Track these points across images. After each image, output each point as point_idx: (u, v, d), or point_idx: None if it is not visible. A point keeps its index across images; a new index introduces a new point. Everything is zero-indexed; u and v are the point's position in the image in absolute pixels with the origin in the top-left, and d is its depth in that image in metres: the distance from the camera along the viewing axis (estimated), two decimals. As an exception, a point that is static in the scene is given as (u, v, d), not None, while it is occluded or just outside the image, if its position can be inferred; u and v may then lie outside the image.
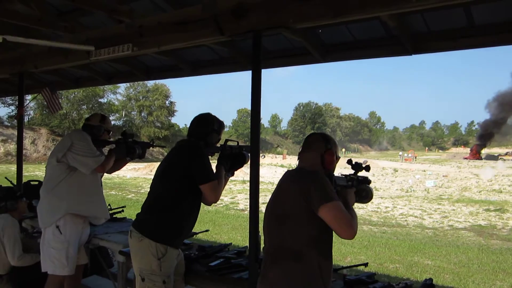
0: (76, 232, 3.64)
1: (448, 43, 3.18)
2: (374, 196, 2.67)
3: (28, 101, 10.42)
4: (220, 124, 3.09)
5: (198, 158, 2.80)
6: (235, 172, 3.25)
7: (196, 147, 2.86)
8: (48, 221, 3.58)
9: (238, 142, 3.26)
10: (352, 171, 2.53)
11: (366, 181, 2.57)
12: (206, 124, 3.03)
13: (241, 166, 3.20)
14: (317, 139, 2.37)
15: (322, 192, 2.10)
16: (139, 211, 2.96)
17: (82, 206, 3.66)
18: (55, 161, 3.60)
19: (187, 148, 2.89)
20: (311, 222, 2.11)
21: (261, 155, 2.99)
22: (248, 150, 3.22)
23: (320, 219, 2.09)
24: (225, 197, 18.43)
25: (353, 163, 2.51)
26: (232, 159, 3.15)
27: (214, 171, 2.93)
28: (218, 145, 3.13)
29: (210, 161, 2.90)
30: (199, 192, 2.82)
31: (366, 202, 2.54)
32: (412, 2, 2.24)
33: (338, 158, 2.41)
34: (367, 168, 2.50)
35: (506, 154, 64.26)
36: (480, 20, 2.94)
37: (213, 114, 3.11)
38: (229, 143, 3.18)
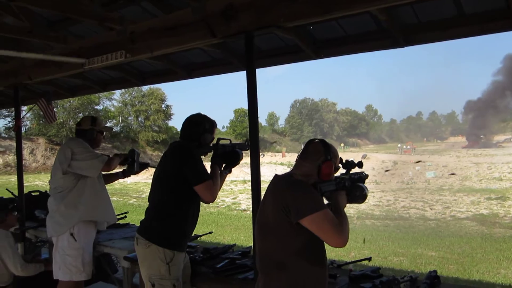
0: (89, 237, 3.70)
1: (438, 33, 3.17)
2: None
3: (25, 113, 10.40)
4: (212, 124, 3.07)
5: (189, 160, 2.80)
6: (234, 172, 3.23)
7: (186, 149, 2.86)
8: (61, 229, 3.60)
9: (230, 140, 3.26)
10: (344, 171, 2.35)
11: (361, 178, 2.37)
12: (197, 125, 3.01)
13: (236, 163, 3.19)
14: (317, 148, 2.19)
15: (302, 204, 1.98)
16: (142, 216, 2.97)
17: (95, 212, 3.70)
18: (60, 173, 3.61)
19: (178, 151, 2.89)
20: (293, 233, 2.01)
21: (260, 154, 2.96)
22: (241, 148, 3.22)
23: (304, 229, 1.98)
24: (226, 198, 18.45)
25: (343, 161, 2.32)
26: (226, 157, 3.15)
27: (209, 170, 2.93)
28: (211, 144, 3.12)
29: (203, 161, 2.90)
30: (196, 193, 2.82)
31: (360, 203, 2.32)
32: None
33: (337, 169, 2.26)
34: (360, 165, 2.33)
35: (505, 141, 64.34)
36: (469, 9, 2.95)
37: (203, 114, 3.09)
38: (222, 141, 3.17)
